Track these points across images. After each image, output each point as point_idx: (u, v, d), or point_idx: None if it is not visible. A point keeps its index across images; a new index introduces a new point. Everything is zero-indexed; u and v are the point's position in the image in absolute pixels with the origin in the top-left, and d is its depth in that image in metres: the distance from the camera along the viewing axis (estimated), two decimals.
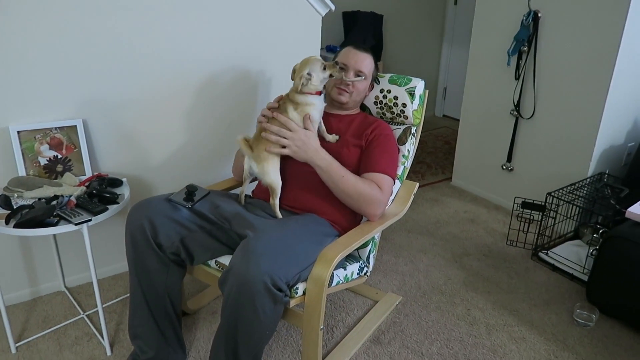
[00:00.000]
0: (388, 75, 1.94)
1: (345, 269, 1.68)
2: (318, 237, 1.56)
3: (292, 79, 1.69)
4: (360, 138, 1.77)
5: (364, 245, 1.82)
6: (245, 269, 1.30)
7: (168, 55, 2.04)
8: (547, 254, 2.43)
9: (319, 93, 1.68)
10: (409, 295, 2.16)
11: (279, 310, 1.40)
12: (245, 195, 1.80)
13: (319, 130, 1.72)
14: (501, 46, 2.82)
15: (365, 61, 1.82)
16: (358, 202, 1.65)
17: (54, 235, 2.00)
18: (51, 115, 1.86)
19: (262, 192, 1.78)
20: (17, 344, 1.79)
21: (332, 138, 1.76)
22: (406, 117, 1.90)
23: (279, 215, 1.65)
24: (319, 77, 1.64)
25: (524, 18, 2.62)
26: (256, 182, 1.83)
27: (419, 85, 1.88)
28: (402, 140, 1.91)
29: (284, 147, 1.62)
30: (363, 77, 1.81)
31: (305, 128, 1.64)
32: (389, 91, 1.90)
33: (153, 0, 1.92)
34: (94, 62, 1.88)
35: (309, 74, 1.63)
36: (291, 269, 1.40)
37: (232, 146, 2.35)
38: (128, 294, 2.05)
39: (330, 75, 1.68)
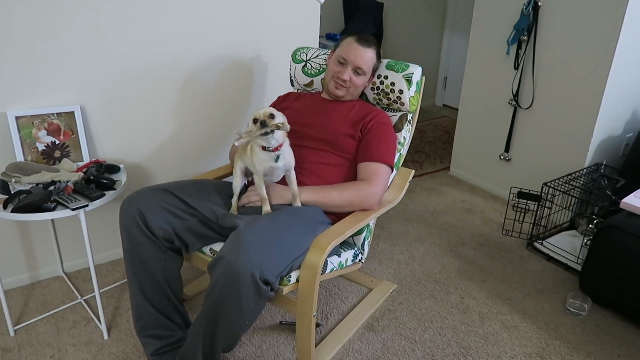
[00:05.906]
0: (385, 61, 1.93)
1: (339, 256, 1.70)
2: (311, 225, 1.57)
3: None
4: (357, 126, 1.77)
5: (359, 232, 1.83)
6: (235, 259, 1.31)
7: (165, 41, 2.04)
8: (542, 243, 2.44)
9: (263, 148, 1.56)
10: (403, 283, 2.18)
11: (262, 303, 1.42)
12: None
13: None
14: (501, 35, 2.81)
15: (366, 56, 1.79)
16: (352, 207, 1.70)
17: (52, 221, 2.01)
18: (49, 101, 1.87)
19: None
20: (16, 327, 1.82)
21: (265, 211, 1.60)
22: (402, 104, 1.90)
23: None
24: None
25: (524, 7, 2.61)
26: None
27: (416, 71, 1.87)
28: (398, 128, 1.91)
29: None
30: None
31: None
32: (386, 77, 1.90)
33: None
34: (91, 49, 1.88)
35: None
36: (282, 260, 1.42)
37: (228, 133, 2.36)
38: (126, 279, 2.08)
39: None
